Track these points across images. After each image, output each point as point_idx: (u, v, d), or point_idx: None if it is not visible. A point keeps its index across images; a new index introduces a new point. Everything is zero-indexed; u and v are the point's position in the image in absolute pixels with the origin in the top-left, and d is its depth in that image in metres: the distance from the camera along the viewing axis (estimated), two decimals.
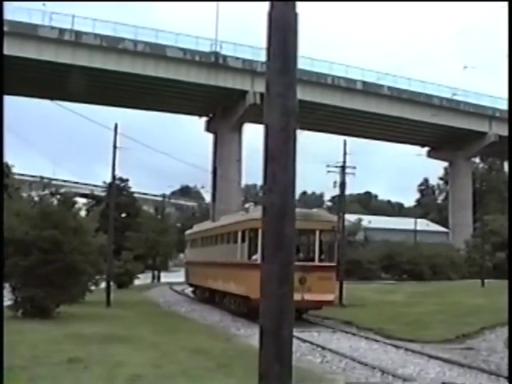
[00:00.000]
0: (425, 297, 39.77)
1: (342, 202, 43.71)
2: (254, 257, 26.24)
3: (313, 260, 26.57)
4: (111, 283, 50.43)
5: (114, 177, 36.48)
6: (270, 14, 5.20)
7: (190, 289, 44.89)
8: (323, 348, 18.34)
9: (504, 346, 20.24)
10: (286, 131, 5.04)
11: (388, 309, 32.13)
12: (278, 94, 5.09)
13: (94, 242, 28.45)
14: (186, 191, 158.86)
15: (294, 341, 16.55)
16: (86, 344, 16.12)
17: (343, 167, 38.96)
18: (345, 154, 38.71)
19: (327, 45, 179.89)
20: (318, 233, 26.73)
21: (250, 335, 21.88)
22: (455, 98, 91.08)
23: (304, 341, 19.71)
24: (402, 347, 18.98)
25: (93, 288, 37.43)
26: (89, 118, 59.08)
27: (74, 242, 24.90)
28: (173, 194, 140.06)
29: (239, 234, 28.81)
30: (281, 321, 4.94)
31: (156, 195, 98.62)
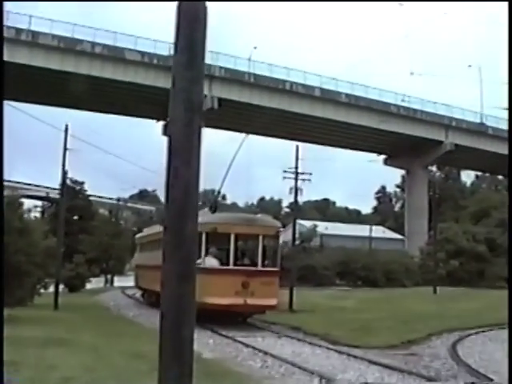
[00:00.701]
0: (375, 303, 39.96)
1: (295, 208, 43.66)
2: (198, 260, 23.09)
3: (256, 265, 26.45)
4: (62, 286, 50.18)
5: (64, 179, 36.06)
6: (178, 7, 5.05)
7: (140, 293, 44.34)
8: (265, 353, 18.17)
9: (447, 352, 20.30)
10: (190, 127, 4.90)
11: (337, 315, 32.15)
12: (183, 89, 4.95)
13: (41, 243, 28.02)
14: (144, 195, 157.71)
15: (237, 346, 16.51)
16: (22, 347, 15.79)
17: (296, 173, 38.89)
18: (297, 159, 38.71)
19: (283, 49, 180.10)
20: (261, 238, 26.63)
21: (196, 339, 21.59)
22: (412, 106, 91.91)
23: (247, 346, 19.61)
24: (344, 353, 18.89)
25: (42, 291, 37.01)
26: (40, 119, 58.32)
27: (19, 242, 24.48)
28: (131, 197, 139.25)
29: None
30: (180, 321, 4.78)
31: (112, 198, 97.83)
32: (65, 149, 34.54)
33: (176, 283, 4.81)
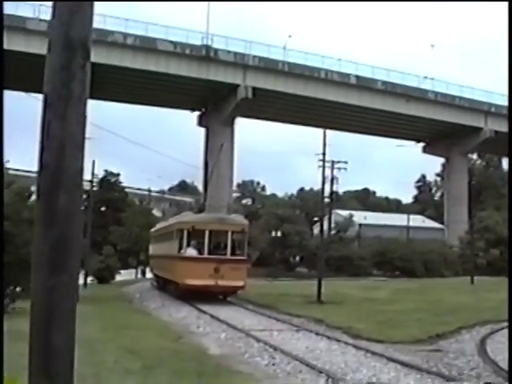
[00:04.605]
0: (408, 294, 38.62)
1: (323, 199, 42.53)
2: (182, 251, 32.89)
3: (225, 254, 32.53)
4: (92, 278, 49.75)
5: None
6: None
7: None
8: (275, 349, 17.03)
9: (475, 347, 18.99)
10: (68, 70, 3.79)
11: (366, 306, 30.95)
12: (62, 23, 3.83)
13: None
14: (183, 187, 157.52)
15: (249, 340, 15.36)
16: (16, 341, 14.85)
17: (323, 160, 37.59)
18: (324, 145, 37.31)
19: (318, 37, 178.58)
20: (229, 233, 32.96)
21: (207, 333, 20.76)
22: (451, 92, 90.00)
23: (259, 340, 18.47)
24: (363, 348, 17.58)
25: None
26: None
27: (27, 234, 23.61)
28: (170, 189, 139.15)
29: (174, 233, 35.07)
30: (51, 322, 3.67)
31: (150, 191, 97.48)
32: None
33: (46, 272, 3.70)
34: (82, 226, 4.05)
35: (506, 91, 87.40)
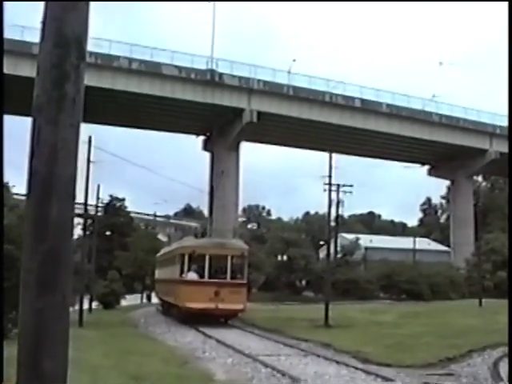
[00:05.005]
0: (416, 317, 38.06)
1: (329, 221, 42.21)
2: (183, 275, 33.84)
3: (225, 278, 33.44)
4: (97, 303, 49.41)
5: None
6: None
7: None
8: (283, 374, 16.60)
9: (488, 370, 18.53)
10: (61, 70, 3.48)
11: (374, 330, 30.43)
12: (55, 18, 3.53)
13: None
14: (189, 211, 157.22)
15: (256, 365, 14.93)
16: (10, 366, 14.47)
17: (329, 183, 37.19)
18: (330, 167, 36.93)
19: (322, 59, 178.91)
20: (229, 258, 33.85)
21: (213, 358, 20.32)
22: (455, 114, 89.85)
23: (266, 366, 18.03)
24: (373, 373, 17.16)
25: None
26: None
27: None
28: (176, 214, 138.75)
29: (176, 258, 35.93)
30: (40, 346, 3.33)
31: (156, 215, 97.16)
32: (88, 161, 33.51)
33: (35, 292, 3.37)
34: (73, 239, 3.71)
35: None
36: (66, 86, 3.48)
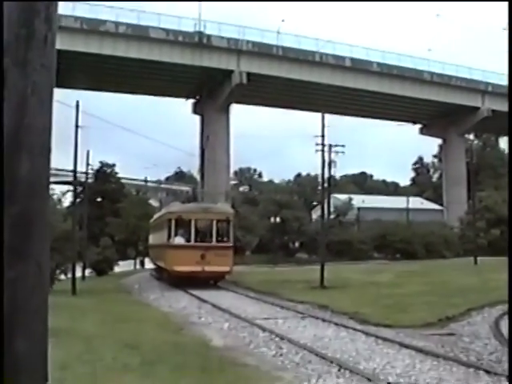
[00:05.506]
0: (412, 276, 37.84)
1: (323, 182, 41.88)
2: (170, 239, 34.63)
3: (211, 242, 34.32)
4: (90, 270, 49.13)
5: (76, 158, 33.88)
6: None
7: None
8: (282, 338, 16.24)
9: (489, 330, 18.23)
10: (29, 5, 2.96)
11: (370, 290, 30.12)
12: None
13: (57, 227, 26.82)
14: (180, 175, 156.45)
15: (253, 330, 14.53)
16: None
17: (322, 144, 36.65)
18: (323, 127, 36.35)
19: (312, 21, 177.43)
20: (214, 222, 34.71)
21: (209, 323, 19.98)
22: (447, 72, 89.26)
23: (264, 330, 17.68)
24: (373, 334, 16.78)
25: (62, 277, 35.54)
26: (66, 104, 57.03)
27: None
28: (167, 179, 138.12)
29: (164, 223, 36.80)
30: (14, 324, 2.85)
31: (146, 181, 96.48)
32: (76, 126, 32.91)
33: (7, 260, 2.88)
34: (50, 200, 3.19)
35: (503, 70, 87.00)
36: (35, 24, 2.96)
